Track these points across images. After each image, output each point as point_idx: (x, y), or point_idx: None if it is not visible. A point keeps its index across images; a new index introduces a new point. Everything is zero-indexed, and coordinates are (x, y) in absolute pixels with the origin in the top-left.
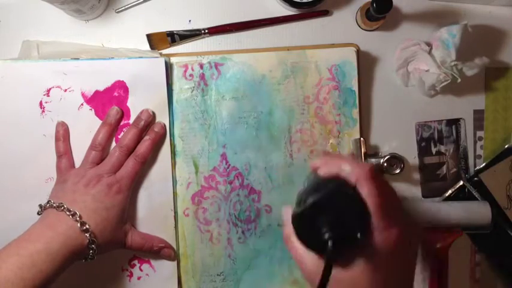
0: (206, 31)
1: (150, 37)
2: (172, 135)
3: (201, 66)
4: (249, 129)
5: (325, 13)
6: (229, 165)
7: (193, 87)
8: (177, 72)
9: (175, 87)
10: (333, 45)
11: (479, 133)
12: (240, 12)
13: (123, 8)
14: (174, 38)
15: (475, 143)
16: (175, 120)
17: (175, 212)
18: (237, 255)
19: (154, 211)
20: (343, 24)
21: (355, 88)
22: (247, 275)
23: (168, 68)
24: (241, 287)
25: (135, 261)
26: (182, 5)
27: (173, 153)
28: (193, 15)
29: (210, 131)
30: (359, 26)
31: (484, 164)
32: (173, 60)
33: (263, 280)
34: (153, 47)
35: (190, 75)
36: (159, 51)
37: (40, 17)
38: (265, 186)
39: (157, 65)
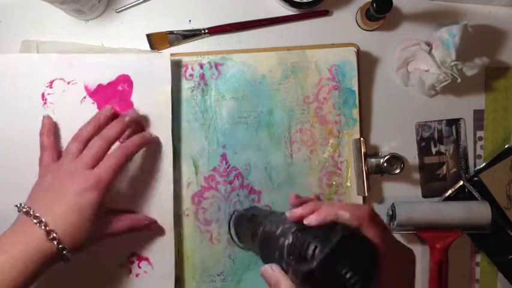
0: (206, 31)
1: (150, 37)
2: (172, 136)
3: (201, 66)
4: (249, 129)
5: (325, 13)
6: (229, 165)
7: (193, 87)
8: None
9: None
10: (333, 45)
11: (479, 133)
12: (240, 12)
13: (123, 8)
14: (174, 38)
15: (475, 143)
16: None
17: (180, 214)
18: (237, 255)
19: (153, 212)
20: (343, 24)
21: (355, 88)
22: (247, 275)
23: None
24: (241, 287)
25: (134, 258)
26: (182, 5)
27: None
28: (193, 15)
29: (210, 131)
30: (359, 26)
31: (484, 164)
32: (173, 60)
33: (263, 280)
34: (153, 47)
35: (190, 75)
36: (159, 51)
37: (40, 16)
38: (265, 186)
39: (163, 61)
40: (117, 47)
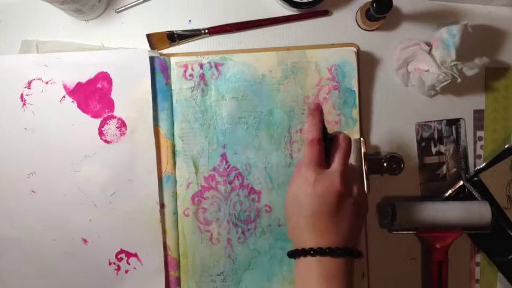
0: (206, 31)
1: (150, 37)
2: (172, 135)
3: (201, 66)
4: (249, 129)
5: (325, 13)
6: (229, 165)
7: (193, 87)
8: (177, 72)
9: (175, 87)
10: (333, 45)
11: (479, 133)
12: (240, 12)
13: (123, 8)
14: (174, 38)
15: (475, 143)
16: (175, 120)
17: (176, 212)
18: (237, 255)
19: (138, 204)
20: (343, 24)
21: (355, 88)
22: (247, 275)
23: (154, 60)
24: (241, 287)
25: (122, 255)
26: (182, 5)
27: (173, 153)
28: (193, 15)
29: (210, 131)
30: (359, 26)
31: (484, 164)
32: (173, 60)
33: (263, 280)
34: (153, 47)
35: (190, 75)
36: (159, 51)
37: (40, 17)
38: (265, 186)
39: (141, 56)
40: (117, 47)
